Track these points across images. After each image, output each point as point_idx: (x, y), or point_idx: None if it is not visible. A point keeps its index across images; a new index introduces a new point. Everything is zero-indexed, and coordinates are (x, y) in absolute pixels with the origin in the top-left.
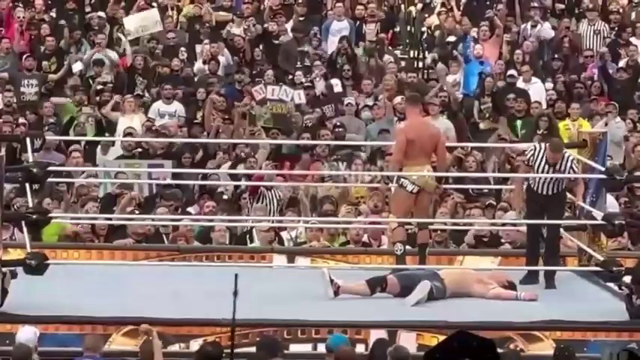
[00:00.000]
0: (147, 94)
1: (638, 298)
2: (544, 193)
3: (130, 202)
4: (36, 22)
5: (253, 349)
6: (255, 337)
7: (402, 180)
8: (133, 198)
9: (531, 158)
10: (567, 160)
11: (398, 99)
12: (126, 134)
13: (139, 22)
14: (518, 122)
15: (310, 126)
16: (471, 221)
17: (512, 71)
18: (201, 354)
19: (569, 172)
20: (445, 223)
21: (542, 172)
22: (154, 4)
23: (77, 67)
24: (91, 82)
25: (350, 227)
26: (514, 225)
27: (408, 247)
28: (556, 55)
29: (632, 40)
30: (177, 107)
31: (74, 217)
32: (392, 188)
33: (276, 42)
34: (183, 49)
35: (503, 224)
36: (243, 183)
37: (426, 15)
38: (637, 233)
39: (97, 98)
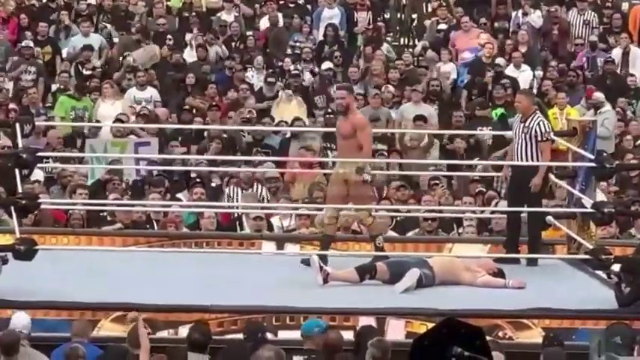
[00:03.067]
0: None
1: (626, 287)
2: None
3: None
4: (25, 7)
5: (241, 336)
6: (243, 324)
7: (364, 173)
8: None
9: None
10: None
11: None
12: (117, 120)
13: (144, 59)
14: (499, 110)
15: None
16: (462, 209)
17: (500, 60)
18: (189, 341)
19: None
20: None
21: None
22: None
23: (66, 52)
24: (79, 67)
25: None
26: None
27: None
28: (545, 44)
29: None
30: (152, 93)
31: (63, 202)
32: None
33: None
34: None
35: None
36: (233, 169)
37: (417, 2)
38: (626, 221)
39: (86, 84)
